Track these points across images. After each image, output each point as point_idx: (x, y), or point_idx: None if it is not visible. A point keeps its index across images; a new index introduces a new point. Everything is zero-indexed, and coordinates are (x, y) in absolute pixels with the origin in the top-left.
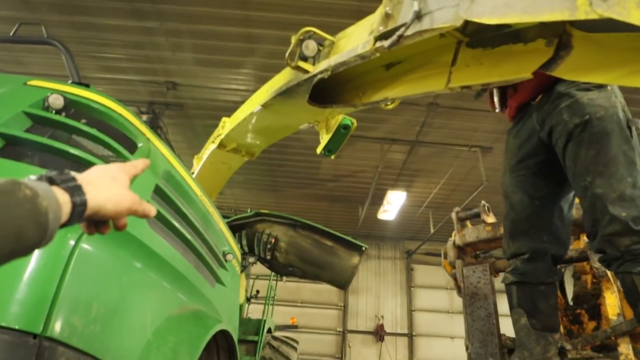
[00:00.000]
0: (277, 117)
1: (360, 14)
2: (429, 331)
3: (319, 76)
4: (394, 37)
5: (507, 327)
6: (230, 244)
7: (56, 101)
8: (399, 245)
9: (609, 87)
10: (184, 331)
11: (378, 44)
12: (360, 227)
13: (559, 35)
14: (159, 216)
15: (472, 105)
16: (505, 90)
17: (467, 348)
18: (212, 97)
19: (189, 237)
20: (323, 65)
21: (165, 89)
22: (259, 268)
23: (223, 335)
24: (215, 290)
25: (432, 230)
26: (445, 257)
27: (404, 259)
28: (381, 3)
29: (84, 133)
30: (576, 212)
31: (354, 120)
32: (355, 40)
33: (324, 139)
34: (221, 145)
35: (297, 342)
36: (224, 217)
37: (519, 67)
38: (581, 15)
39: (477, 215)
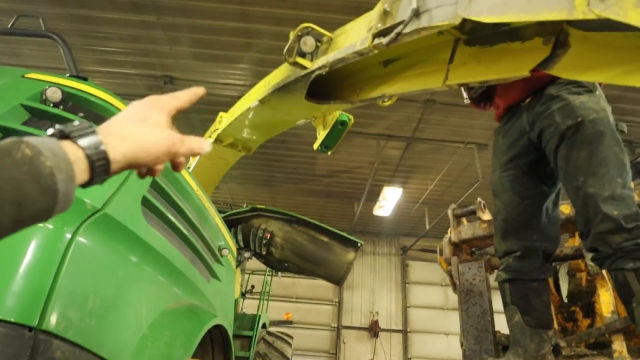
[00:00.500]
0: (274, 113)
1: (359, 10)
2: (423, 327)
3: (317, 72)
4: (392, 35)
5: (502, 324)
6: (226, 238)
7: (54, 94)
8: (395, 241)
9: (597, 92)
10: (179, 326)
11: (376, 41)
12: (355, 223)
13: (556, 34)
14: (156, 210)
15: None
16: (489, 89)
17: (462, 345)
18: (209, 92)
19: (185, 231)
20: (321, 61)
21: (162, 83)
22: (254, 263)
23: (218, 330)
24: (210, 285)
25: (427, 227)
26: (441, 254)
27: (399, 255)
28: (380, 0)
29: None
30: (571, 209)
31: (351, 117)
32: (354, 37)
33: (321, 135)
34: (218, 140)
35: (291, 337)
36: (220, 212)
37: (516, 65)
38: (579, 15)
39: (473, 212)
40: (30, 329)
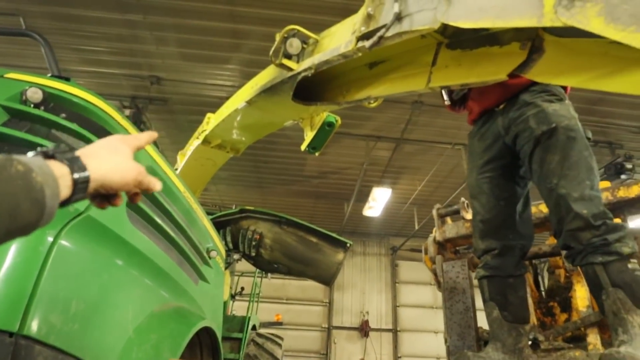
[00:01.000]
0: (261, 114)
1: (347, 12)
2: (413, 326)
3: (303, 74)
4: (375, 38)
5: (484, 321)
6: (214, 240)
7: (35, 95)
8: (384, 241)
9: (566, 101)
10: (166, 328)
11: (360, 44)
12: (345, 224)
13: (532, 39)
14: (141, 212)
15: None
16: (468, 93)
17: (445, 341)
18: (197, 93)
19: (171, 233)
20: (307, 63)
21: (149, 83)
22: (243, 265)
23: (206, 332)
24: (198, 287)
25: (416, 227)
26: (426, 253)
27: (388, 255)
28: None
29: (63, 128)
30: None
31: (338, 118)
32: (339, 39)
33: (309, 136)
34: (206, 142)
35: (282, 338)
36: (209, 213)
37: (495, 69)
38: (547, 22)
39: (457, 212)
40: (11, 334)
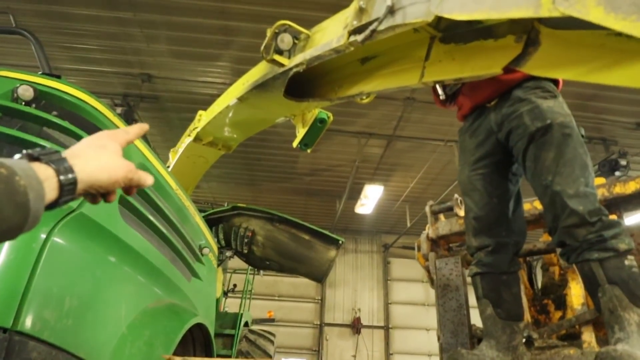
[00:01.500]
0: (253, 111)
1: (337, 7)
2: (405, 323)
3: (295, 70)
4: (367, 32)
5: (477, 318)
6: (206, 237)
7: (26, 92)
8: (376, 239)
9: (560, 98)
10: (159, 325)
11: (352, 38)
12: (337, 221)
13: (527, 32)
14: (134, 210)
15: None
16: (459, 89)
17: (438, 338)
18: (188, 90)
19: (164, 231)
20: (298, 58)
21: (140, 81)
22: (236, 262)
23: (199, 328)
24: (191, 284)
25: (408, 224)
26: (419, 250)
27: (380, 252)
28: None
29: (54, 125)
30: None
31: (330, 114)
32: (330, 34)
33: (300, 132)
34: (197, 139)
35: (274, 335)
36: (201, 211)
37: (489, 63)
38: (544, 12)
39: (450, 209)
40: (5, 330)
